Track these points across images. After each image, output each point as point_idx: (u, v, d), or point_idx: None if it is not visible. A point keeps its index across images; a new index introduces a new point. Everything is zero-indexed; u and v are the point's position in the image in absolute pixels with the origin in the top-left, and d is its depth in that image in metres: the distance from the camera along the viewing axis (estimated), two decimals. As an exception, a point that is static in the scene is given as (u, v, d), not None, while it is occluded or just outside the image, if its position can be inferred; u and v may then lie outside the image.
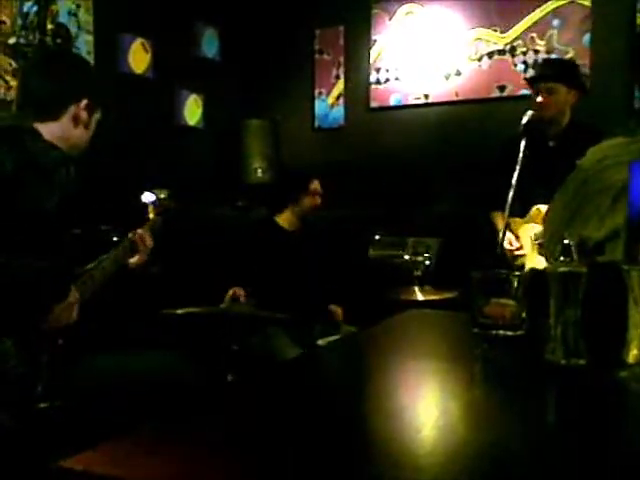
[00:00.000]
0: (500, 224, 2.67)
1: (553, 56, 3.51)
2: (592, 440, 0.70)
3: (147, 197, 1.99)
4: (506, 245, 2.69)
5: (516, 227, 2.76)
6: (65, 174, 1.63)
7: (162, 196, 2.02)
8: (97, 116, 1.74)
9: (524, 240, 2.71)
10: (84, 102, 1.66)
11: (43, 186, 1.56)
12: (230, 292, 2.64)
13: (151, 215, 1.97)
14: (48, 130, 1.61)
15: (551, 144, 2.81)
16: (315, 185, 3.01)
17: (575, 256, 0.97)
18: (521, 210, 2.63)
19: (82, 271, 1.68)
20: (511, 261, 2.71)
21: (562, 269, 0.96)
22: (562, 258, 0.97)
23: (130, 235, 1.84)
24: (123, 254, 1.79)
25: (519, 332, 1.07)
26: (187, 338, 2.36)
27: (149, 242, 1.86)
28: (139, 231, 1.85)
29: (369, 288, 3.12)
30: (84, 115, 1.67)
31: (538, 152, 2.63)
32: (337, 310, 2.93)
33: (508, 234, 2.66)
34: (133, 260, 1.83)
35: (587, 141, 1.41)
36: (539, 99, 2.70)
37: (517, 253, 2.71)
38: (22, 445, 1.38)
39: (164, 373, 1.71)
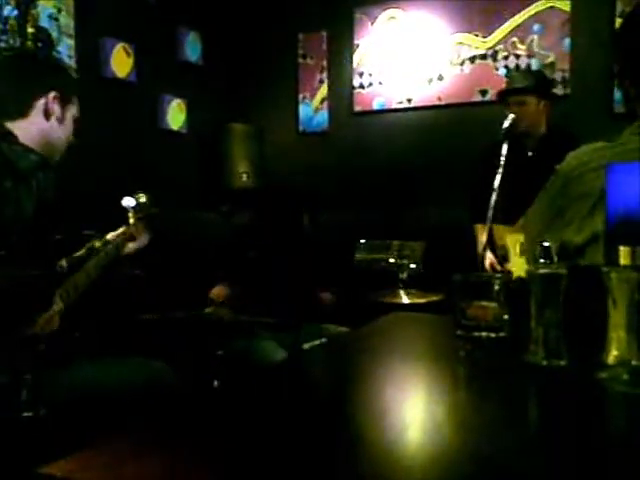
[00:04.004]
0: (482, 236, 2.68)
1: (533, 61, 3.56)
2: (573, 440, 0.71)
3: (127, 201, 1.97)
4: (487, 266, 2.69)
5: (501, 234, 2.77)
6: (43, 178, 1.61)
7: (142, 200, 2.00)
8: (73, 111, 1.72)
9: (511, 249, 2.72)
10: (52, 94, 1.65)
11: (22, 191, 1.55)
12: (214, 291, 2.64)
13: (131, 220, 1.96)
14: (22, 130, 1.59)
15: (530, 154, 2.83)
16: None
17: (555, 259, 0.98)
18: (503, 217, 2.65)
19: (65, 273, 1.66)
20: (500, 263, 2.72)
21: (543, 271, 0.97)
22: (542, 260, 0.98)
23: (105, 243, 1.83)
24: (115, 249, 1.80)
25: (501, 334, 1.08)
26: (171, 344, 2.35)
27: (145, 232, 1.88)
28: (136, 226, 1.88)
29: (354, 291, 3.12)
30: (55, 108, 1.65)
31: (518, 161, 2.65)
32: (326, 296, 2.91)
33: (489, 255, 2.65)
34: (132, 246, 1.84)
35: (566, 149, 1.43)
36: (511, 113, 2.72)
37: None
38: (6, 454, 1.36)
39: (149, 380, 1.70)
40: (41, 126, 1.64)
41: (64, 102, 1.68)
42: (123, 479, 0.62)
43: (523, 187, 2.39)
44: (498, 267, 2.73)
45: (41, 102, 1.64)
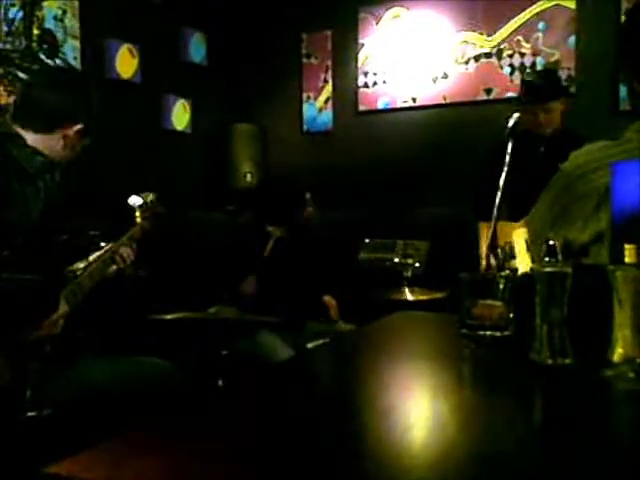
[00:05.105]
0: (485, 237, 2.66)
1: (538, 59, 3.54)
2: (579, 439, 0.71)
3: (134, 200, 1.97)
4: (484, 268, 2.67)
5: (507, 231, 2.76)
6: (50, 180, 1.63)
7: (149, 199, 2.01)
8: (85, 142, 1.74)
9: (517, 245, 2.71)
10: (78, 126, 1.66)
11: (29, 192, 1.56)
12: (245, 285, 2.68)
13: (138, 219, 1.96)
14: (33, 138, 1.60)
15: (541, 150, 2.83)
16: (308, 199, 3.01)
17: (560, 257, 0.98)
18: (511, 215, 2.64)
19: (70, 275, 1.67)
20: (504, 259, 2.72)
21: (548, 269, 0.97)
22: (547, 259, 0.97)
23: (110, 246, 1.82)
24: (103, 267, 1.78)
25: (506, 333, 1.08)
26: (176, 343, 2.36)
27: (129, 258, 1.84)
28: (123, 249, 1.83)
29: (359, 290, 3.12)
30: (74, 138, 1.67)
31: (528, 158, 2.64)
32: (331, 302, 2.92)
33: (492, 260, 2.63)
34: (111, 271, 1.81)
35: (575, 148, 1.42)
36: (540, 119, 2.71)
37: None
38: (10, 454, 1.37)
39: (153, 379, 1.70)
40: (54, 146, 1.65)
41: (82, 136, 1.70)
42: (128, 478, 0.62)
43: (532, 185, 2.37)
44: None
45: (66, 128, 1.65)
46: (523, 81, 2.94)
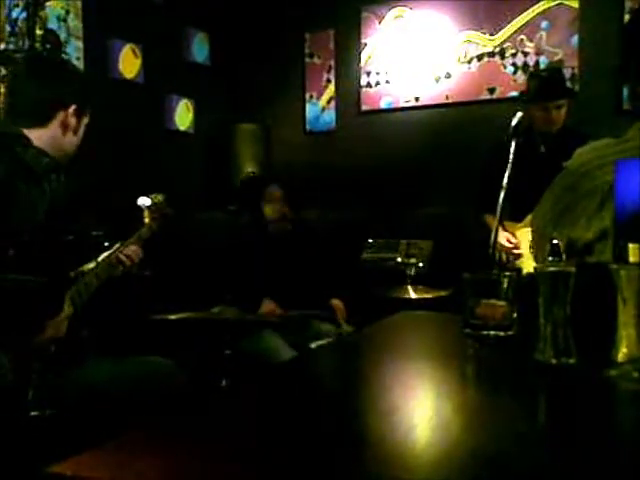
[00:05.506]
0: (493, 226, 2.68)
1: (541, 58, 3.53)
2: (582, 439, 0.71)
3: (143, 201, 1.97)
4: (504, 243, 2.72)
5: (513, 231, 2.78)
6: (56, 180, 1.63)
7: (159, 200, 2.01)
8: (86, 120, 1.73)
9: (522, 244, 2.74)
10: (72, 108, 1.65)
11: (35, 193, 1.56)
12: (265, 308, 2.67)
13: (147, 220, 1.96)
14: (37, 137, 1.60)
15: (542, 149, 2.83)
16: (275, 194, 2.99)
17: (564, 256, 0.97)
18: (513, 213, 2.64)
19: (76, 274, 1.68)
20: (507, 260, 2.74)
21: (551, 269, 0.97)
22: (551, 258, 0.97)
23: (117, 246, 1.83)
24: (109, 268, 1.78)
25: (510, 332, 1.08)
26: (179, 343, 2.36)
27: (137, 257, 1.85)
28: (129, 248, 1.84)
29: (362, 290, 3.12)
30: (73, 121, 1.66)
31: (530, 157, 2.64)
32: (339, 306, 2.92)
33: (505, 233, 2.70)
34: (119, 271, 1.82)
35: (578, 146, 1.42)
36: (552, 116, 2.74)
37: (516, 252, 2.74)
38: (13, 454, 1.37)
39: (157, 379, 1.70)
40: (57, 136, 1.64)
41: (80, 115, 1.69)
42: (132, 477, 0.62)
43: (535, 184, 2.37)
44: (513, 240, 2.76)
45: (61, 115, 1.64)
46: (534, 77, 2.93)
